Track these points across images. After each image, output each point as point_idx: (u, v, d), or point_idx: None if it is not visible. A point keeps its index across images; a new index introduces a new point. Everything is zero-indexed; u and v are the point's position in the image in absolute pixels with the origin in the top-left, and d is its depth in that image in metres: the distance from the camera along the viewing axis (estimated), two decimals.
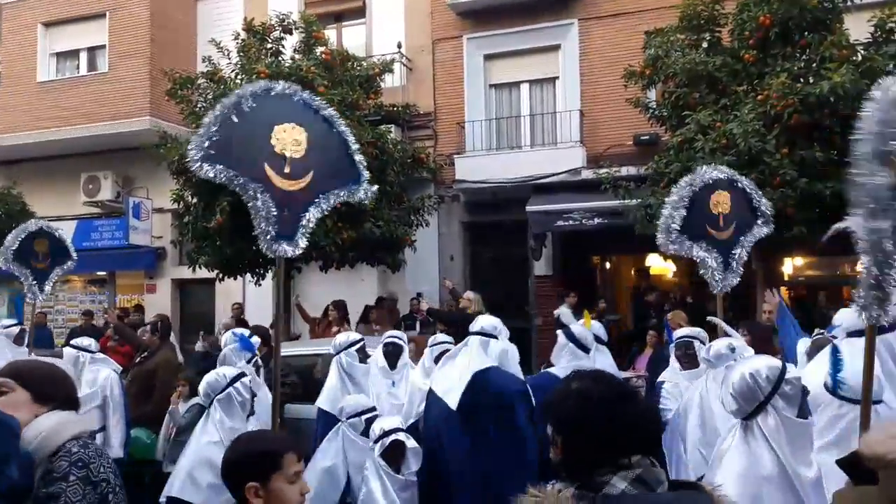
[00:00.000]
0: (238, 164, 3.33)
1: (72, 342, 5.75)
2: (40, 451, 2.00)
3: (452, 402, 3.72)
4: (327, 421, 4.44)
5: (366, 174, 3.81)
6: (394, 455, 3.82)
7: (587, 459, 1.50)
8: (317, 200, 3.58)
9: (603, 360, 4.51)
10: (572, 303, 10.35)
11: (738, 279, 4.48)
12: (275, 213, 3.39)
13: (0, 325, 6.78)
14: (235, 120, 3.32)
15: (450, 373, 3.92)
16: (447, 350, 4.83)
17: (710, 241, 4.34)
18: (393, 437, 3.81)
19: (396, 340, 5.09)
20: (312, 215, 3.56)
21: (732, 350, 3.99)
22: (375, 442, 3.85)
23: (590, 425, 1.53)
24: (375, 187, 3.92)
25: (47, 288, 6.03)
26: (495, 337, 3.95)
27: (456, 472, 3.71)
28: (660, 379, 4.70)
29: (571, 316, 4.55)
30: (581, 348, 4.04)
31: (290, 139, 3.49)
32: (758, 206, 4.46)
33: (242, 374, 3.94)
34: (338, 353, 4.78)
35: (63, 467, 1.95)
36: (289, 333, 11.01)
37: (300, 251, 3.56)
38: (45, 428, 2.02)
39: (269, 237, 3.42)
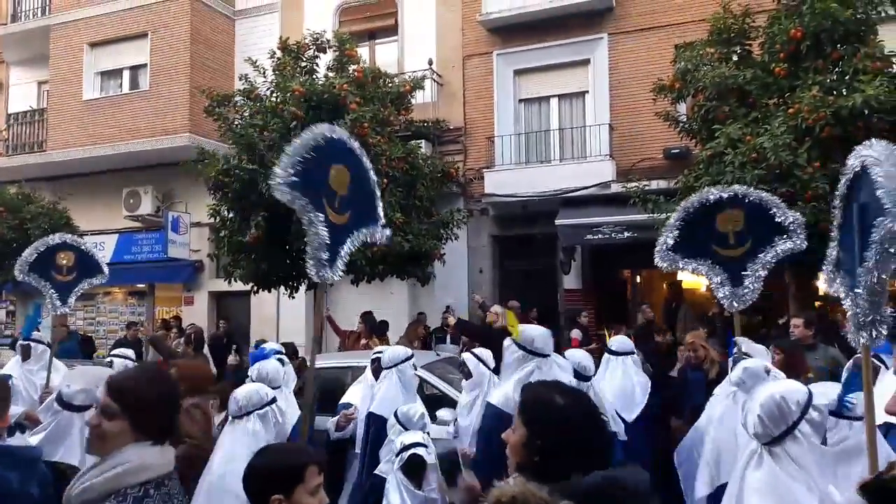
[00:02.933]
0: (308, 193, 3.67)
1: (113, 353, 5.93)
2: (99, 487, 1.95)
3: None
4: (378, 426, 4.58)
5: (383, 219, 4.18)
6: (414, 470, 3.81)
7: (566, 466, 1.62)
8: (351, 236, 3.96)
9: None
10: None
11: (754, 297, 4.40)
12: (327, 242, 3.74)
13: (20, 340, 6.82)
14: (311, 155, 3.65)
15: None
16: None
17: (716, 258, 4.39)
18: (412, 451, 3.81)
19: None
20: (348, 248, 3.93)
21: (768, 372, 3.88)
22: (396, 455, 3.85)
23: (573, 437, 1.68)
24: (389, 231, 4.26)
25: (71, 301, 5.90)
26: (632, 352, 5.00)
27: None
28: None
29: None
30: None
31: (340, 179, 3.85)
32: (782, 220, 4.35)
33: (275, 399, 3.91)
34: (395, 364, 4.91)
35: None
36: (323, 347, 11.18)
37: (338, 277, 3.91)
38: (113, 465, 1.96)
39: (318, 262, 3.76)
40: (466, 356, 5.03)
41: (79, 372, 3.84)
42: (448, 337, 10.58)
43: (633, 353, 5.04)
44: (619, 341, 5.10)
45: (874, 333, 2.68)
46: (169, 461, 2.08)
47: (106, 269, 6.11)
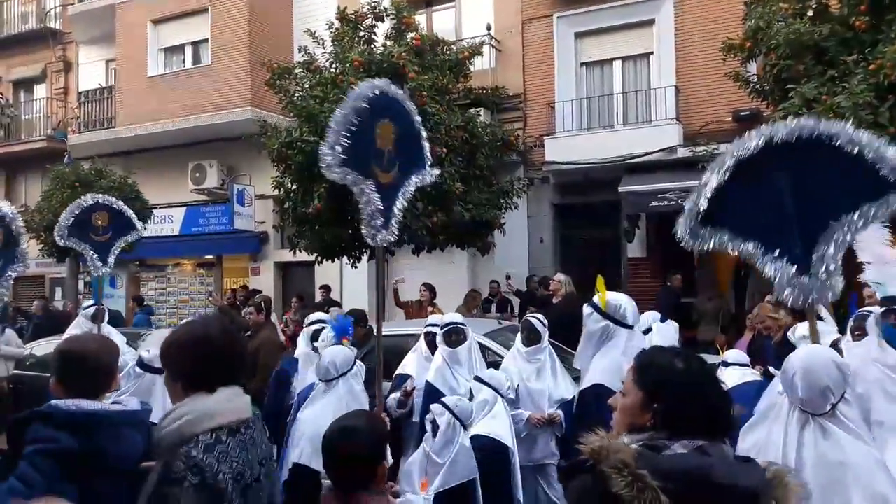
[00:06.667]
0: (356, 165, 3.57)
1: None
2: (169, 439, 1.99)
3: None
4: (431, 394, 4.63)
5: (429, 159, 4.05)
6: (434, 429, 3.94)
7: (684, 430, 1.61)
8: (402, 190, 3.86)
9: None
10: None
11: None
12: (380, 207, 3.68)
13: (82, 307, 7.12)
14: (355, 122, 3.51)
15: None
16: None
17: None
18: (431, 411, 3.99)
19: (433, 329, 5.12)
20: (400, 203, 3.85)
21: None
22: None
23: (692, 400, 1.65)
24: (437, 171, 4.12)
25: (110, 260, 5.90)
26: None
27: None
28: None
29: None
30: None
31: (386, 134, 3.70)
32: None
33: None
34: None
35: (179, 469, 1.92)
36: (385, 315, 11.30)
37: (394, 238, 3.88)
38: (177, 418, 2.00)
39: (374, 228, 3.72)
40: (534, 321, 4.89)
41: (157, 336, 4.05)
42: (494, 305, 10.61)
43: (747, 365, 4.79)
44: (733, 355, 4.89)
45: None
46: (241, 408, 2.09)
47: (139, 225, 6.07)
